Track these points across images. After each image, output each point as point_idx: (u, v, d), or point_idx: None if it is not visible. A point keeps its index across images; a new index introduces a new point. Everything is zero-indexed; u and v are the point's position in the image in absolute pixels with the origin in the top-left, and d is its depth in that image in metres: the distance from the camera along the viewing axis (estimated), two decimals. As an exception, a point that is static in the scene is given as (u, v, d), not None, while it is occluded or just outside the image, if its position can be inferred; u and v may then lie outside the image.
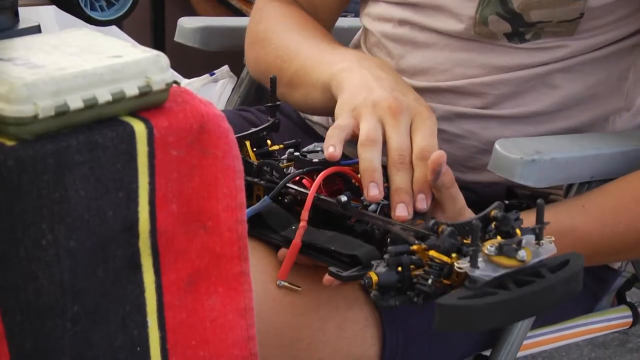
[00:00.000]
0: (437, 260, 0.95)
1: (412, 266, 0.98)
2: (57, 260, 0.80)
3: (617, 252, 1.30)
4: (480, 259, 0.90)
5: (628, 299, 1.43)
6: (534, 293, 0.90)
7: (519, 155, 1.14)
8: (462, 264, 0.91)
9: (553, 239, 0.95)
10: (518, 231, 0.96)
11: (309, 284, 1.12)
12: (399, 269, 0.97)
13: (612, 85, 1.32)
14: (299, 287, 1.11)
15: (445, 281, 0.95)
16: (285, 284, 1.10)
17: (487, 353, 1.30)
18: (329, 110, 1.16)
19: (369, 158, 1.04)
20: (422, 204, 1.03)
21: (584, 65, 1.29)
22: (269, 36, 1.33)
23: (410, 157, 1.05)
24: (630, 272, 1.42)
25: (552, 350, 1.39)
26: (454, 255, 0.95)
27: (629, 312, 1.43)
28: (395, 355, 1.22)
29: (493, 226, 0.97)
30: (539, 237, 0.94)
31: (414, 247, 0.99)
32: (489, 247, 0.91)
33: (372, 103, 1.08)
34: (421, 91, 1.29)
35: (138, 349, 0.85)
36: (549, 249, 0.94)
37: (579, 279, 0.94)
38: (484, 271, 0.89)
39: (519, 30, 1.26)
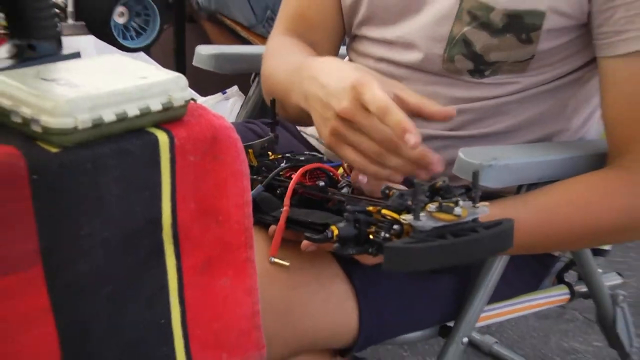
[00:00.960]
0: (388, 217, 0.98)
1: (370, 227, 1.00)
2: (94, 248, 0.80)
3: (554, 243, 1.30)
4: (423, 215, 0.92)
5: (566, 280, 1.44)
6: (467, 242, 0.93)
7: (478, 161, 1.14)
8: (406, 217, 0.94)
9: (488, 204, 0.96)
10: (461, 200, 0.97)
11: (299, 264, 1.12)
12: (357, 225, 0.99)
13: (556, 112, 1.32)
14: (288, 263, 1.11)
15: (395, 239, 0.97)
16: (276, 260, 1.11)
17: (451, 324, 1.29)
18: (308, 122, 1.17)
19: (351, 157, 1.05)
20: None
21: (533, 97, 1.29)
22: (274, 72, 1.33)
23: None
24: (568, 257, 1.42)
25: (503, 321, 1.38)
26: (404, 214, 0.96)
27: (567, 290, 1.45)
28: (370, 323, 1.22)
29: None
30: (474, 200, 0.96)
31: (370, 208, 1.01)
32: (430, 205, 0.94)
33: (333, 127, 1.07)
34: None
35: (162, 321, 0.85)
36: (483, 210, 0.96)
37: (508, 237, 0.96)
38: (425, 223, 0.91)
39: (480, 68, 1.26)
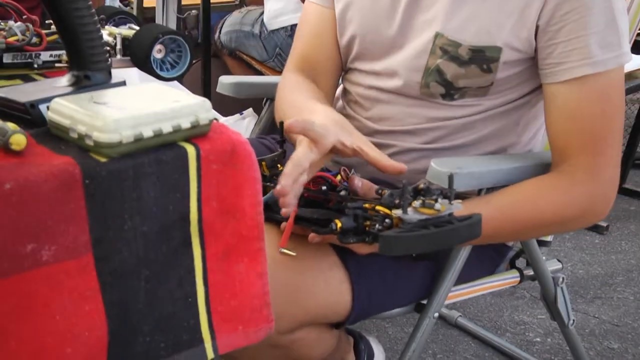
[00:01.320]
0: (381, 212, 1.00)
1: (366, 221, 1.02)
2: (134, 239, 0.80)
3: (509, 234, 1.30)
4: (410, 210, 0.96)
5: (517, 265, 1.44)
6: (446, 232, 0.95)
7: (446, 169, 1.14)
8: (396, 212, 0.97)
9: (461, 201, 0.98)
10: (440, 198, 0.99)
11: (303, 254, 1.11)
12: (356, 219, 1.02)
13: (510, 128, 1.32)
14: (294, 253, 1.10)
15: (387, 230, 0.99)
16: (285, 250, 1.10)
17: (425, 302, 1.28)
18: None
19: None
20: None
21: (492, 116, 1.29)
22: (281, 102, 1.33)
23: None
24: (518, 247, 1.42)
25: (466, 300, 1.37)
26: (393, 210, 0.99)
27: (517, 274, 1.44)
28: (361, 302, 1.21)
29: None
30: (450, 199, 0.98)
31: (366, 205, 1.03)
32: (415, 202, 0.97)
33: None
34: (383, 132, 1.32)
35: (189, 300, 0.85)
36: (457, 206, 0.98)
37: (478, 227, 0.98)
38: (411, 216, 0.95)
39: (450, 92, 1.25)
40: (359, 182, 1.09)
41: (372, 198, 1.06)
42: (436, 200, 0.98)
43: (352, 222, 1.02)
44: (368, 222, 1.02)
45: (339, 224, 1.02)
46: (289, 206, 1.03)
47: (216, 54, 2.77)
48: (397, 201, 1.00)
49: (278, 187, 1.02)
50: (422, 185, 1.01)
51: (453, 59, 1.22)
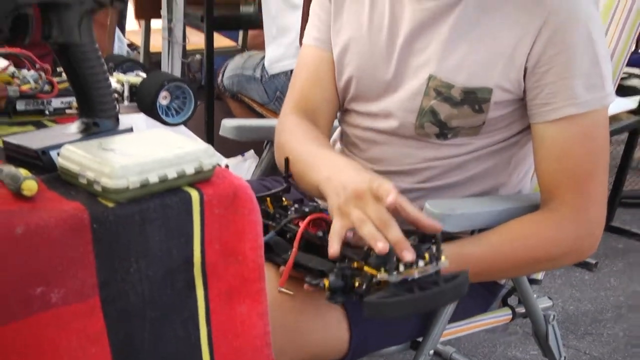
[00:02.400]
0: (367, 272, 0.98)
1: (354, 278, 1.00)
2: (140, 282, 0.80)
3: (500, 272, 1.29)
4: (394, 272, 0.94)
5: (509, 303, 1.42)
6: (429, 295, 0.94)
7: (440, 211, 1.14)
8: (382, 275, 0.95)
9: (444, 258, 0.98)
10: (426, 254, 0.97)
11: (303, 293, 1.10)
12: (344, 278, 1.00)
13: (501, 167, 1.31)
14: (292, 292, 1.10)
15: (376, 287, 0.97)
16: (283, 289, 1.10)
17: (420, 340, 1.28)
18: (322, 195, 1.14)
19: (367, 230, 1.01)
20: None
21: (484, 155, 1.29)
22: (288, 146, 1.31)
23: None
24: (510, 285, 1.41)
25: (459, 339, 1.37)
26: (381, 269, 0.96)
27: (510, 312, 1.43)
28: (358, 341, 1.20)
29: None
30: (437, 257, 0.97)
31: (355, 264, 1.01)
32: (400, 264, 0.95)
33: (346, 201, 1.06)
34: (380, 173, 1.29)
35: (193, 340, 0.85)
36: (444, 264, 0.97)
37: (463, 288, 0.97)
38: (396, 278, 0.94)
39: (444, 132, 1.25)
40: (350, 233, 1.06)
41: (364, 248, 1.03)
42: (424, 258, 0.97)
43: (340, 281, 0.99)
44: (356, 280, 1.00)
45: (327, 284, 0.99)
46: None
47: (219, 97, 2.79)
48: (384, 262, 0.98)
49: (331, 249, 1.02)
50: (411, 242, 1.00)
51: (446, 100, 1.23)
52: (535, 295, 1.41)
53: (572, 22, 1.16)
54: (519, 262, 1.24)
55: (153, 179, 0.79)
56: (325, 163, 1.19)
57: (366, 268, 1.00)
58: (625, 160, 2.55)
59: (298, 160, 1.25)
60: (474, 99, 1.22)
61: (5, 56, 1.13)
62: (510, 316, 1.42)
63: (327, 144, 1.33)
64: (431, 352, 1.25)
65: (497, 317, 1.41)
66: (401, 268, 0.96)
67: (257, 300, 0.87)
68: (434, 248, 1.00)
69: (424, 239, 1.03)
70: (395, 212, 1.06)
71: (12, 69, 1.11)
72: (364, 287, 0.98)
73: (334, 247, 1.02)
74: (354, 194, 1.06)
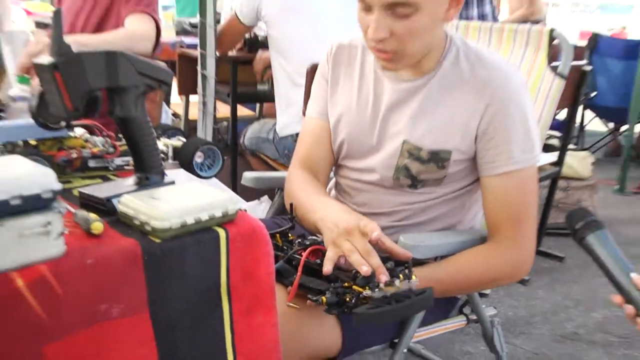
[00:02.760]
0: (356, 290, 0.99)
1: (346, 295, 1.00)
2: (179, 300, 0.80)
3: (457, 290, 1.28)
4: (377, 289, 0.96)
5: (464, 312, 1.40)
6: (404, 306, 0.96)
7: (411, 243, 1.15)
8: (367, 292, 0.97)
9: (414, 277, 0.99)
10: (401, 275, 0.98)
11: (306, 308, 1.07)
12: (338, 295, 1.00)
13: (458, 209, 1.31)
14: (298, 306, 1.08)
15: (363, 301, 0.98)
16: (291, 304, 1.08)
17: (397, 341, 1.26)
18: (319, 231, 1.14)
19: (355, 258, 1.03)
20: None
21: (445, 200, 1.28)
22: (294, 194, 1.31)
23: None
24: (465, 298, 1.39)
25: (427, 339, 1.35)
26: (366, 287, 0.98)
27: (465, 318, 1.41)
28: (349, 342, 1.18)
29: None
30: (409, 277, 0.98)
31: (345, 285, 1.02)
32: (381, 283, 0.97)
33: (338, 235, 1.07)
34: (365, 214, 1.28)
35: (220, 344, 0.84)
36: (414, 282, 0.98)
37: (430, 300, 0.99)
38: (378, 294, 0.95)
39: (415, 183, 1.25)
40: (342, 260, 1.06)
41: (352, 273, 1.04)
42: (398, 278, 0.97)
43: (334, 298, 1.00)
44: (347, 296, 1.00)
45: (324, 300, 1.00)
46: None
47: (241, 154, 2.79)
48: (369, 282, 0.99)
49: (325, 269, 1.03)
50: (388, 266, 1.01)
51: (416, 159, 1.23)
52: (483, 306, 1.40)
53: (510, 102, 1.17)
54: (471, 282, 1.23)
55: (190, 221, 0.79)
56: (321, 206, 1.19)
57: (355, 287, 1.00)
58: (548, 201, 2.55)
59: (301, 205, 1.25)
60: (438, 158, 1.22)
61: (81, 126, 1.14)
62: (465, 322, 1.40)
63: (324, 192, 1.32)
64: (405, 350, 1.23)
65: (455, 322, 1.39)
66: (382, 286, 0.97)
67: (270, 313, 0.87)
68: (406, 270, 1.00)
69: (399, 264, 1.04)
70: (377, 245, 1.06)
71: (86, 135, 1.12)
72: (353, 301, 0.99)
73: (327, 267, 1.03)
74: (345, 230, 1.06)
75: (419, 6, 1.08)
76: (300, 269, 1.07)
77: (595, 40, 4.24)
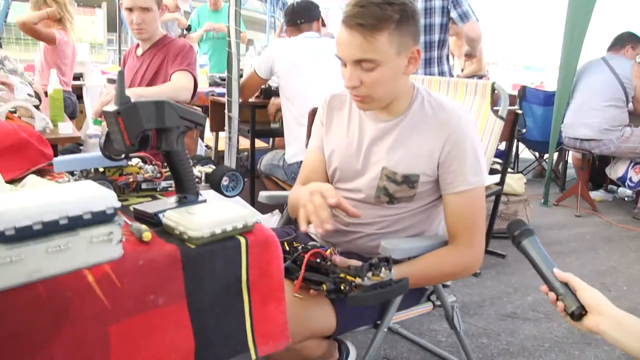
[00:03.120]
0: (349, 279, 0.98)
1: (341, 283, 0.99)
2: (210, 291, 0.79)
3: (425, 282, 1.25)
4: (366, 277, 0.95)
5: (431, 299, 1.38)
6: (387, 291, 0.96)
7: (391, 247, 1.13)
8: (358, 280, 0.96)
9: (394, 270, 0.99)
10: (384, 268, 0.98)
11: (308, 297, 1.07)
12: (335, 283, 0.99)
13: (425, 220, 1.29)
14: (301, 296, 1.06)
15: (355, 288, 0.97)
16: (297, 295, 1.06)
17: (379, 322, 1.24)
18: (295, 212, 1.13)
19: (302, 212, 1.03)
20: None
21: (415, 213, 1.27)
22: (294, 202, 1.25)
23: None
24: (432, 288, 1.37)
25: (402, 320, 1.33)
26: (357, 277, 0.97)
27: (431, 304, 1.38)
28: (342, 323, 1.16)
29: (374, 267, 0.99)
30: (390, 269, 0.98)
31: (341, 275, 1.00)
32: (369, 273, 0.96)
33: (304, 197, 1.06)
34: (353, 224, 1.28)
35: (241, 326, 0.83)
36: (394, 274, 0.98)
37: (406, 287, 0.98)
38: (366, 282, 0.95)
39: (392, 200, 1.24)
40: (336, 258, 1.06)
41: (345, 268, 1.02)
42: (381, 271, 0.96)
43: (333, 285, 0.99)
44: (342, 284, 0.99)
45: (325, 287, 0.99)
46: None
47: (258, 177, 2.78)
48: (359, 272, 0.98)
49: (301, 228, 1.02)
50: (373, 261, 1.00)
51: (393, 181, 1.22)
52: (445, 294, 1.38)
53: (463, 137, 1.17)
54: (436, 276, 1.22)
55: (218, 231, 0.79)
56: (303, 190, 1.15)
57: (348, 277, 0.99)
58: (494, 212, 2.54)
59: (293, 199, 1.24)
60: (409, 181, 1.21)
61: (137, 157, 1.14)
62: (432, 307, 1.38)
63: None
64: (386, 329, 1.22)
65: (424, 307, 1.37)
66: (369, 275, 0.96)
67: (280, 302, 0.86)
68: (388, 265, 0.99)
69: (382, 260, 1.02)
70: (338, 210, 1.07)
71: (140, 164, 1.11)
72: (347, 288, 0.97)
73: (302, 227, 1.03)
74: (309, 192, 1.06)
75: (380, 62, 1.09)
76: (303, 267, 1.05)
77: (523, 90, 4.30)
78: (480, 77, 4.62)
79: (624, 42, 3.65)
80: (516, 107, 4.16)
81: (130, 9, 2.06)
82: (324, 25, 3.31)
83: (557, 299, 0.89)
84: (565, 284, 0.89)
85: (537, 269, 0.93)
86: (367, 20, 1.06)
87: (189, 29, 4.60)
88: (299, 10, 2.50)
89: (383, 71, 1.10)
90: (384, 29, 1.07)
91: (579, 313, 0.85)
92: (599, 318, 0.83)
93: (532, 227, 0.97)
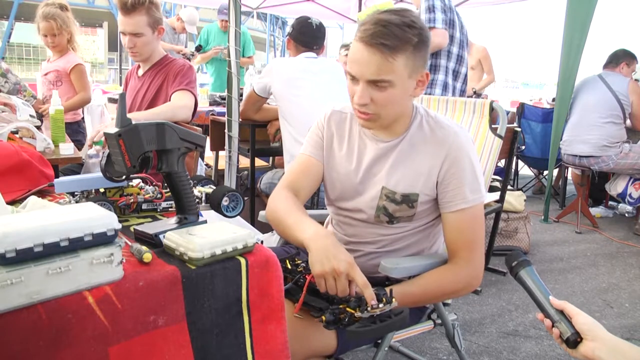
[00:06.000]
0: (349, 311, 0.97)
1: (341, 314, 0.97)
2: (210, 312, 0.78)
3: (426, 300, 1.24)
4: (365, 310, 0.94)
5: (432, 317, 1.37)
6: (386, 325, 0.94)
7: (390, 266, 1.13)
8: (357, 313, 0.95)
9: (394, 300, 0.97)
10: (384, 298, 0.96)
11: (309, 318, 1.05)
12: (335, 315, 0.98)
13: (425, 238, 1.29)
14: (302, 317, 1.05)
15: (355, 319, 0.95)
16: (297, 315, 1.05)
17: (380, 341, 1.23)
18: (304, 246, 1.07)
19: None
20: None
21: (415, 232, 1.27)
22: (277, 210, 1.22)
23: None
24: (432, 306, 1.37)
25: (403, 339, 1.32)
26: (357, 309, 0.96)
27: (432, 323, 1.37)
28: (341, 344, 1.15)
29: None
30: (390, 301, 0.96)
31: (341, 306, 0.99)
32: (368, 306, 0.95)
33: (327, 273, 0.99)
34: (353, 243, 1.28)
35: (242, 345, 0.83)
36: (394, 304, 0.96)
37: (405, 319, 0.97)
38: (365, 315, 0.94)
39: (392, 220, 1.24)
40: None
41: (346, 297, 1.00)
42: (382, 301, 0.95)
43: (332, 317, 0.97)
44: (342, 316, 0.97)
45: (324, 319, 0.97)
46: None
47: (258, 195, 2.78)
48: (359, 305, 0.97)
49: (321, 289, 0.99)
50: (374, 290, 0.98)
51: (392, 201, 1.22)
52: (446, 312, 1.38)
53: (461, 156, 1.18)
54: (437, 294, 1.21)
55: (218, 252, 0.79)
56: (306, 227, 1.11)
57: (348, 309, 0.98)
58: (494, 229, 2.54)
59: (283, 220, 1.18)
60: (409, 200, 1.21)
61: (137, 178, 1.15)
62: (433, 325, 1.37)
63: (306, 213, 1.22)
64: (387, 348, 1.20)
65: (425, 325, 1.36)
66: (369, 309, 0.95)
67: (280, 322, 0.86)
68: (388, 294, 0.98)
69: (382, 290, 1.01)
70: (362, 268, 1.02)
71: (140, 184, 1.12)
72: (347, 320, 0.96)
73: (322, 286, 1.01)
74: (335, 272, 0.99)
75: (393, 83, 1.10)
76: (304, 289, 1.04)
77: (522, 108, 4.33)
78: (478, 95, 4.68)
79: (618, 59, 3.70)
80: (515, 124, 4.19)
81: (123, 33, 2.10)
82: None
83: (553, 326, 0.90)
84: (561, 312, 0.90)
85: (534, 297, 0.95)
86: (390, 40, 1.06)
87: (199, 48, 4.60)
88: (319, 35, 2.44)
89: (394, 92, 1.11)
90: (404, 51, 1.07)
91: (574, 339, 0.87)
92: (595, 344, 0.84)
93: (530, 254, 0.99)
